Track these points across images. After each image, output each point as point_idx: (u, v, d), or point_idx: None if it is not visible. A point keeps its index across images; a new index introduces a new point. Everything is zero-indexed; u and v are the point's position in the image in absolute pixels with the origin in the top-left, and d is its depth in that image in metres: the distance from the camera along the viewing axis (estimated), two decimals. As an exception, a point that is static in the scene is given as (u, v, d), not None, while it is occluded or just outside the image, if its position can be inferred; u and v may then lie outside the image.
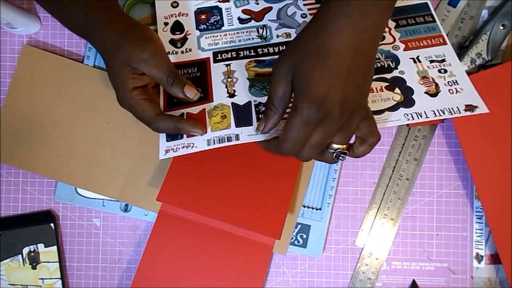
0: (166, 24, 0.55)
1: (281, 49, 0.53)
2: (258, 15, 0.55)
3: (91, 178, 0.56)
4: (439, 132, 0.56)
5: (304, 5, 0.55)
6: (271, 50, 0.53)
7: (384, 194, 0.56)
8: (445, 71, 0.51)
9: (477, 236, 0.56)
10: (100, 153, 0.56)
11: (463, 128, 0.53)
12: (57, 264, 0.56)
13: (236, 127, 0.47)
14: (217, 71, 0.51)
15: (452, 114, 0.47)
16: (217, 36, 0.54)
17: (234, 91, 0.50)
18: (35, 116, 0.56)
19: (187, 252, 0.54)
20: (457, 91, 0.49)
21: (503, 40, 0.55)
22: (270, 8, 0.55)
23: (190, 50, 0.53)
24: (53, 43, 0.58)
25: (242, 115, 0.48)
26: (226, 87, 0.50)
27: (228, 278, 0.54)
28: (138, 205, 0.56)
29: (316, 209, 0.56)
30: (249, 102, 0.49)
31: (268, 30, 0.54)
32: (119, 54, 0.46)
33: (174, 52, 0.53)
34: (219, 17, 0.55)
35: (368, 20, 0.39)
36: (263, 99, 0.49)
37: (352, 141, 0.45)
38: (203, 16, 0.55)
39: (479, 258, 0.56)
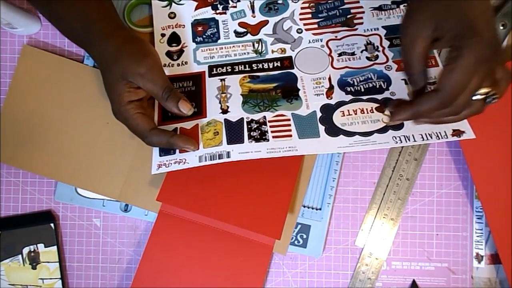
0: (163, 35, 0.55)
1: (275, 65, 0.53)
2: (254, 29, 0.55)
3: (91, 178, 0.56)
4: (439, 132, 0.56)
5: (300, 19, 0.55)
6: (265, 65, 0.53)
7: (384, 194, 0.56)
8: None
9: (477, 236, 0.56)
10: (100, 153, 0.56)
11: (463, 128, 0.53)
12: (57, 264, 0.56)
13: (228, 144, 0.48)
14: (211, 85, 0.52)
15: (439, 138, 0.47)
16: (213, 50, 0.54)
17: (228, 107, 0.50)
18: (35, 116, 0.56)
19: (187, 252, 0.54)
20: None
21: (503, 40, 0.55)
22: (266, 22, 0.55)
23: (186, 63, 0.54)
24: (53, 43, 0.58)
25: (234, 132, 0.49)
26: (220, 102, 0.51)
27: (228, 278, 0.54)
28: (138, 205, 0.56)
29: (316, 209, 0.56)
30: (242, 119, 0.49)
31: (263, 44, 0.54)
32: (116, 67, 0.46)
33: (170, 65, 0.54)
34: (215, 30, 0.55)
35: None
36: (256, 116, 0.49)
37: None
38: (199, 28, 0.55)
39: (479, 258, 0.56)
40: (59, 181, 0.56)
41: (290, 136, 0.48)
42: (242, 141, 0.48)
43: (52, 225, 0.56)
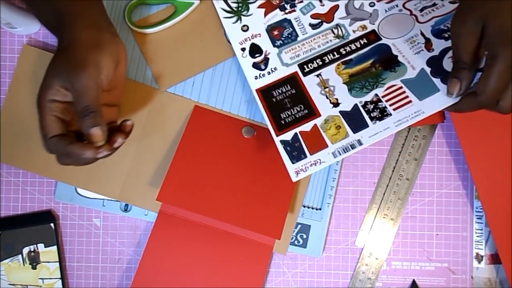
0: (243, 50, 0.54)
1: (362, 43, 0.52)
2: (328, 16, 0.54)
3: (91, 178, 0.56)
4: (439, 132, 0.56)
5: None
6: (353, 46, 0.52)
7: (384, 194, 0.56)
8: None
9: (477, 236, 0.56)
10: (100, 153, 0.56)
11: (463, 128, 0.53)
12: (57, 264, 0.56)
13: (354, 133, 0.48)
14: (311, 84, 0.51)
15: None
16: (296, 48, 0.54)
17: (337, 99, 0.50)
18: (35, 116, 0.56)
19: (187, 252, 0.54)
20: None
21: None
22: (337, 6, 0.54)
23: (275, 69, 0.53)
24: (53, 43, 0.58)
25: (354, 119, 0.48)
26: (327, 97, 0.50)
27: (228, 278, 0.54)
28: (138, 205, 0.56)
29: (316, 209, 0.56)
30: (356, 105, 0.49)
31: (342, 28, 0.53)
32: (60, 61, 0.45)
33: (261, 76, 0.53)
34: (291, 29, 0.54)
35: None
36: (367, 97, 0.49)
37: None
38: (275, 32, 0.54)
39: (479, 258, 0.56)
40: (59, 181, 0.56)
41: (410, 101, 0.48)
42: (367, 125, 0.47)
43: (52, 225, 0.56)
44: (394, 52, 0.51)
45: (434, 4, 0.52)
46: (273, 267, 0.57)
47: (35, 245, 0.56)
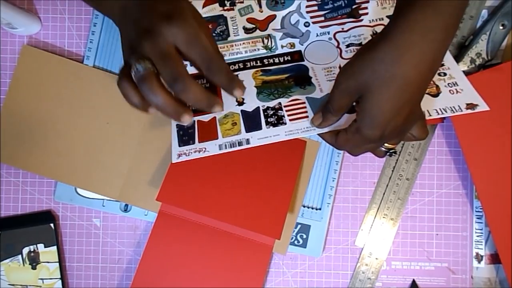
0: None
1: (285, 59, 0.53)
2: (263, 24, 0.55)
3: (91, 178, 0.56)
4: (439, 132, 0.56)
5: (307, 12, 0.55)
6: (276, 60, 0.53)
7: (384, 194, 0.56)
8: (445, 74, 0.51)
9: (477, 236, 0.56)
10: (100, 153, 0.56)
11: (463, 128, 0.53)
12: (57, 264, 0.56)
13: (246, 132, 0.48)
14: None
15: (454, 112, 0.48)
16: (224, 47, 0.54)
17: (243, 99, 0.50)
18: (35, 116, 0.56)
19: (187, 252, 0.54)
20: (457, 92, 0.50)
21: (503, 40, 0.55)
22: (274, 16, 0.55)
23: None
24: (53, 43, 0.58)
25: (251, 120, 0.49)
26: None
27: (228, 278, 0.54)
28: (138, 205, 0.56)
29: (316, 209, 0.56)
30: (258, 108, 0.49)
31: (273, 40, 0.54)
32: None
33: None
34: (224, 27, 0.55)
35: (448, 43, 0.37)
36: (271, 104, 0.50)
37: None
38: (209, 26, 0.55)
39: (479, 258, 0.56)
40: (58, 181, 0.57)
41: (307, 117, 0.49)
42: (260, 128, 0.48)
43: (52, 225, 0.56)
44: (310, 74, 0.52)
45: (360, 44, 0.53)
46: (273, 267, 0.57)
47: (35, 245, 0.56)
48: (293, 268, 0.57)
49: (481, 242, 0.56)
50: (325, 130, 0.46)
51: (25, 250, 0.56)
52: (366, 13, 0.55)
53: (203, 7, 0.55)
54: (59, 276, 0.56)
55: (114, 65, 0.57)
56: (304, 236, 0.56)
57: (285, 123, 0.48)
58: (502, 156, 0.53)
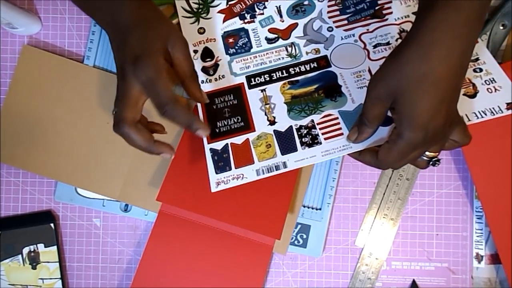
0: (195, 52, 0.54)
1: (312, 66, 0.52)
2: (285, 33, 0.54)
3: (91, 178, 0.56)
4: (439, 132, 0.56)
5: (329, 18, 0.54)
6: (302, 68, 0.53)
7: (384, 194, 0.56)
8: (481, 70, 0.50)
9: (477, 236, 0.56)
10: (100, 153, 0.56)
11: (463, 128, 0.53)
12: (57, 264, 0.56)
13: (282, 155, 0.48)
14: (253, 97, 0.52)
15: (494, 114, 0.47)
16: (247, 59, 0.54)
17: (274, 117, 0.50)
18: (35, 116, 0.56)
19: (187, 252, 0.54)
20: (495, 90, 0.48)
21: (503, 40, 0.55)
22: (296, 25, 0.54)
23: (223, 76, 0.53)
24: (53, 43, 0.58)
25: (285, 142, 0.49)
26: (266, 114, 0.51)
27: (228, 278, 0.54)
28: (138, 205, 0.56)
29: (316, 209, 0.56)
30: (290, 127, 0.49)
31: (296, 47, 0.54)
32: (160, 24, 0.43)
33: (208, 80, 0.53)
34: (246, 39, 0.54)
35: (474, 36, 0.37)
36: (304, 122, 0.49)
37: None
38: (231, 40, 0.54)
39: (479, 258, 0.56)
40: (59, 181, 0.57)
41: (342, 134, 0.48)
42: (295, 150, 0.48)
43: (52, 225, 0.56)
44: (340, 81, 0.51)
45: (388, 43, 0.52)
46: (273, 267, 0.57)
47: (35, 245, 0.56)
48: (293, 268, 0.57)
49: (481, 242, 0.56)
50: (363, 146, 0.45)
51: (25, 250, 0.56)
52: (391, 12, 0.53)
53: (224, 21, 0.55)
54: (59, 276, 0.56)
55: (114, 65, 0.57)
56: (304, 236, 0.56)
57: (320, 143, 0.48)
58: (502, 156, 0.53)
